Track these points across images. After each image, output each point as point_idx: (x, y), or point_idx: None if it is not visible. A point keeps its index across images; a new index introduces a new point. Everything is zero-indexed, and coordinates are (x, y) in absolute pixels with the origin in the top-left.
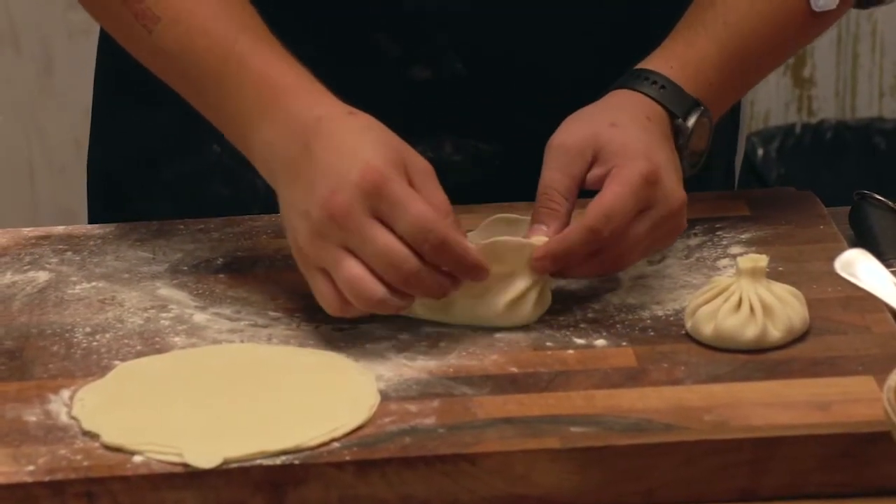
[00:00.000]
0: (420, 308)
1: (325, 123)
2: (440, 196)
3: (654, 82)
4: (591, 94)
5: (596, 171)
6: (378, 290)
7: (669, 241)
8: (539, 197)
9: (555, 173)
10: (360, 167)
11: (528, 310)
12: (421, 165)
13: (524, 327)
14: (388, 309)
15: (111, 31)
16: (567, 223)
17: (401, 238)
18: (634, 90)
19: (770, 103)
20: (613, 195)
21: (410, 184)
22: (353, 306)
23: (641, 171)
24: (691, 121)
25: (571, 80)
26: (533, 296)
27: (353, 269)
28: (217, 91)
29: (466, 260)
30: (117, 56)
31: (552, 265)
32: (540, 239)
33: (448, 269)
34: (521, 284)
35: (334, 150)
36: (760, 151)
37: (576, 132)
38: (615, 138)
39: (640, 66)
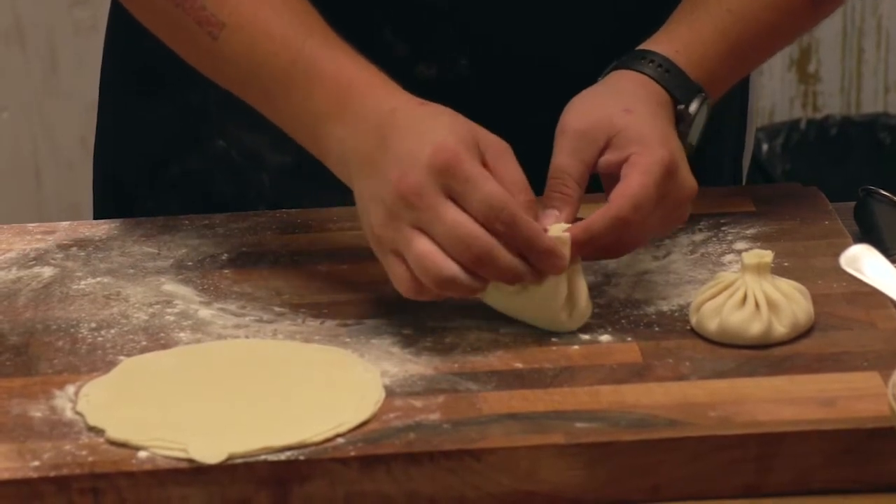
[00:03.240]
0: (490, 297)
1: (399, 114)
2: (517, 174)
3: (660, 65)
4: None
5: (609, 157)
6: (449, 266)
7: (672, 230)
8: (550, 181)
9: (567, 158)
10: (432, 147)
11: (565, 314)
12: (496, 144)
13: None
14: (460, 289)
15: (169, 40)
16: (578, 208)
17: (474, 218)
18: (639, 71)
19: (775, 99)
20: (640, 185)
21: (485, 163)
22: (427, 288)
23: (662, 161)
24: (693, 107)
25: (577, 76)
26: (563, 296)
27: (423, 246)
28: (285, 94)
29: (539, 243)
30: (123, 53)
31: (575, 252)
32: (558, 227)
33: (521, 251)
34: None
35: (407, 136)
36: (765, 147)
37: (588, 117)
38: (631, 125)
39: (643, 46)
